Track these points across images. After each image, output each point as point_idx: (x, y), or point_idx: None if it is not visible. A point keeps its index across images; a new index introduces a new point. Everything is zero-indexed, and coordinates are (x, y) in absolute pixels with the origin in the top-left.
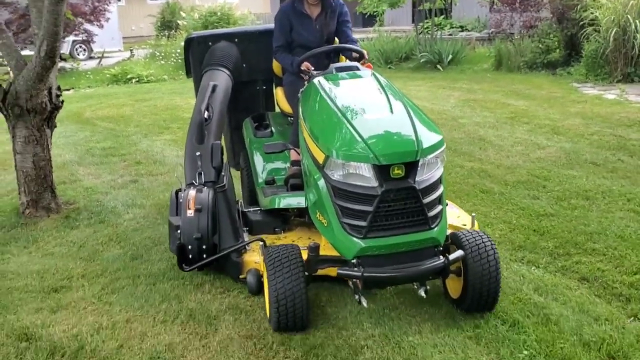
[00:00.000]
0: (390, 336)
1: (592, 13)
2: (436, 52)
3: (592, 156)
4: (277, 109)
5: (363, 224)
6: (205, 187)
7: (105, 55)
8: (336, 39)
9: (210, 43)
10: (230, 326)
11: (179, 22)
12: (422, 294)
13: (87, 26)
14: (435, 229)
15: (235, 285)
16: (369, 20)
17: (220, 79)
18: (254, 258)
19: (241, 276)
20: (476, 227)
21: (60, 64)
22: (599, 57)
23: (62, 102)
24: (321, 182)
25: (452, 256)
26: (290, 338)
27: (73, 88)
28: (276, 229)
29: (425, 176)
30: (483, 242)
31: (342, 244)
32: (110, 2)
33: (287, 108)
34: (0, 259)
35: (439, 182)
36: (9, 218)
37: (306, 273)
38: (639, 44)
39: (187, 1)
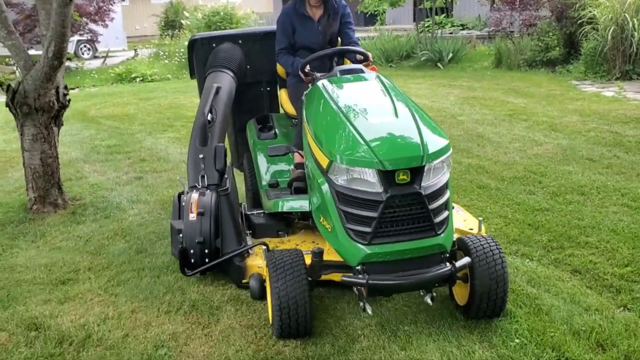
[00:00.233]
0: (387, 325)
1: (590, 11)
2: (437, 50)
3: (588, 152)
4: (281, 111)
5: (368, 230)
6: (208, 191)
7: (109, 54)
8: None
9: (214, 44)
10: (232, 316)
11: (182, 21)
12: (429, 300)
13: (92, 26)
14: (442, 235)
15: None
16: (370, 19)
17: (224, 81)
18: (257, 262)
19: (244, 281)
20: (483, 231)
21: (66, 64)
22: (597, 55)
23: (69, 100)
24: (325, 187)
25: (458, 263)
26: None
27: (78, 87)
28: (280, 233)
29: (431, 181)
30: (490, 248)
31: (346, 250)
32: (114, 2)
33: (291, 110)
34: (9, 253)
35: (445, 187)
36: (17, 213)
37: (309, 278)
38: (637, 42)
39: (190, 1)
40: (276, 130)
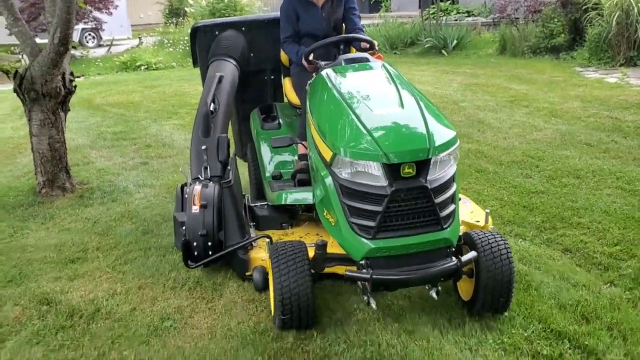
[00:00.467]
0: (382, 301)
1: None
2: (441, 37)
3: (586, 137)
4: (286, 100)
5: (372, 224)
6: (211, 182)
7: (114, 42)
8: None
9: (216, 32)
10: (234, 292)
11: (186, 9)
12: (434, 295)
13: (96, 14)
14: (448, 229)
15: None
16: (374, 6)
17: (227, 70)
18: (260, 255)
19: (247, 273)
20: (490, 224)
21: (71, 52)
22: (602, 41)
23: (75, 86)
24: (328, 180)
25: (464, 258)
26: None
27: (83, 75)
28: (283, 225)
29: (437, 175)
30: (497, 242)
31: (350, 244)
32: None
33: (295, 99)
34: (20, 234)
35: (451, 180)
36: (26, 197)
37: (313, 271)
38: None
39: None
40: (280, 120)
